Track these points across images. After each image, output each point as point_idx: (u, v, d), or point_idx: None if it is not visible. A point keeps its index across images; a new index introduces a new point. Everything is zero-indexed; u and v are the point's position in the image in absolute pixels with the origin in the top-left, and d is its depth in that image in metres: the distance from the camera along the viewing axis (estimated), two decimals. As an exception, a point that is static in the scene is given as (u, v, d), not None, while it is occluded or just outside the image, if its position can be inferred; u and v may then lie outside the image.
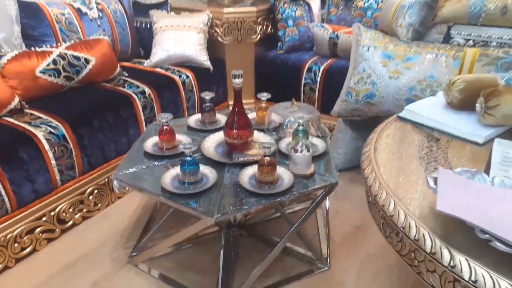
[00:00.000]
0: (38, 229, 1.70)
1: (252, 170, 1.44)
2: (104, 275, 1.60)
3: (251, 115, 1.89)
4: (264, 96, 1.83)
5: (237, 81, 1.48)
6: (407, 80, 1.86)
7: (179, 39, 2.49)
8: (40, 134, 1.66)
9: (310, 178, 1.44)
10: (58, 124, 1.74)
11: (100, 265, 1.65)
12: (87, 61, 2.05)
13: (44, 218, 1.71)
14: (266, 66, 2.77)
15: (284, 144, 1.63)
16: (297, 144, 1.44)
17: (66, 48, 2.02)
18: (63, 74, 1.97)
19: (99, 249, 1.74)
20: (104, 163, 1.94)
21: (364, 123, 2.15)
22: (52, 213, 1.75)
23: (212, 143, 1.64)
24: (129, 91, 2.08)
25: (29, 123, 1.70)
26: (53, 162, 1.69)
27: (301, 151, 1.43)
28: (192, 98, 2.42)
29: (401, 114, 1.35)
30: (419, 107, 1.36)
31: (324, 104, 2.50)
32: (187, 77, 2.39)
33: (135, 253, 1.67)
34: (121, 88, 2.10)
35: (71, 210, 1.82)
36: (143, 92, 2.12)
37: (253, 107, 2.69)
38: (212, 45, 2.67)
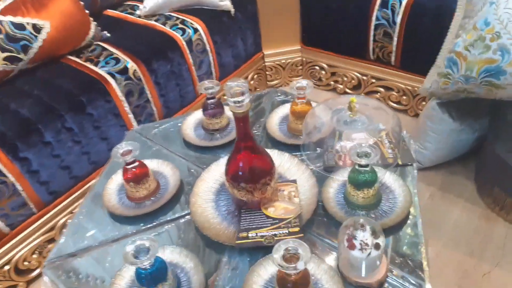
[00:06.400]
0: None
1: (270, 267, 0.77)
2: None
3: (283, 110, 1.17)
4: (303, 87, 1.07)
5: (238, 100, 0.75)
6: None
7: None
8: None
9: (378, 290, 0.75)
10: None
11: None
12: (37, 29, 1.36)
13: (-5, 277, 1.24)
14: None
15: (332, 187, 0.91)
16: (354, 230, 0.73)
17: (1, 11, 1.33)
18: (1, 55, 1.32)
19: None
20: (72, 187, 1.36)
21: (475, 105, 1.32)
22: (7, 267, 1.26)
23: (208, 186, 0.97)
24: (101, 72, 1.38)
25: None
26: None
27: (362, 249, 0.73)
28: (206, 62, 1.66)
29: None
30: None
31: (405, 59, 1.63)
32: (195, 31, 1.61)
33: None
34: (91, 67, 1.40)
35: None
36: (124, 71, 1.41)
37: (299, 57, 1.86)
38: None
